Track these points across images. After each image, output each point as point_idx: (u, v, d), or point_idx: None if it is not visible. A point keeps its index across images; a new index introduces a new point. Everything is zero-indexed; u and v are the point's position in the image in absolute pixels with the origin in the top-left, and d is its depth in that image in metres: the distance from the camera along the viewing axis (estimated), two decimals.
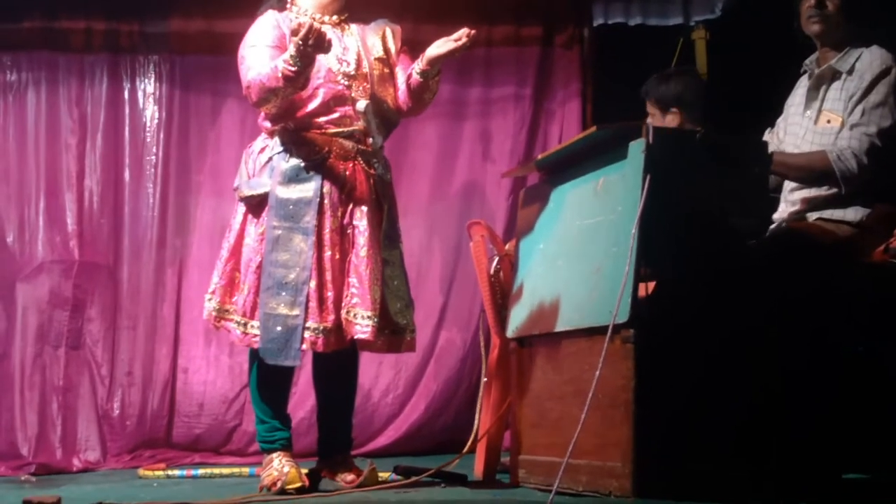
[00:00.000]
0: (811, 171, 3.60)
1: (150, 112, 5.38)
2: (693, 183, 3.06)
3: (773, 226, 3.77)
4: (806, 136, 3.70)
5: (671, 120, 4.27)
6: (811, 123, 3.71)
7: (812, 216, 3.66)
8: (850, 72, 3.63)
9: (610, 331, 2.91)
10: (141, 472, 4.59)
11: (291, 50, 3.51)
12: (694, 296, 3.01)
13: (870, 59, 3.62)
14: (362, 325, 3.59)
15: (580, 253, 3.25)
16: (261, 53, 3.67)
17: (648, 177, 2.94)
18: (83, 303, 5.21)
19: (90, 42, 5.35)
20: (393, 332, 3.74)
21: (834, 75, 3.68)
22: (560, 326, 3.28)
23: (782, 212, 3.80)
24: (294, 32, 3.49)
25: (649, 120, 4.34)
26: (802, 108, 3.78)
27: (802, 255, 3.45)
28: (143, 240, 5.32)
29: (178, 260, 5.35)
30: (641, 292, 3.03)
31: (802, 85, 3.85)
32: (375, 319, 3.61)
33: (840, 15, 3.67)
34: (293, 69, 3.51)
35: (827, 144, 3.60)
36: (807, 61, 3.82)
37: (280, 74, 3.53)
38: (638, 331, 2.91)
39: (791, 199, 3.77)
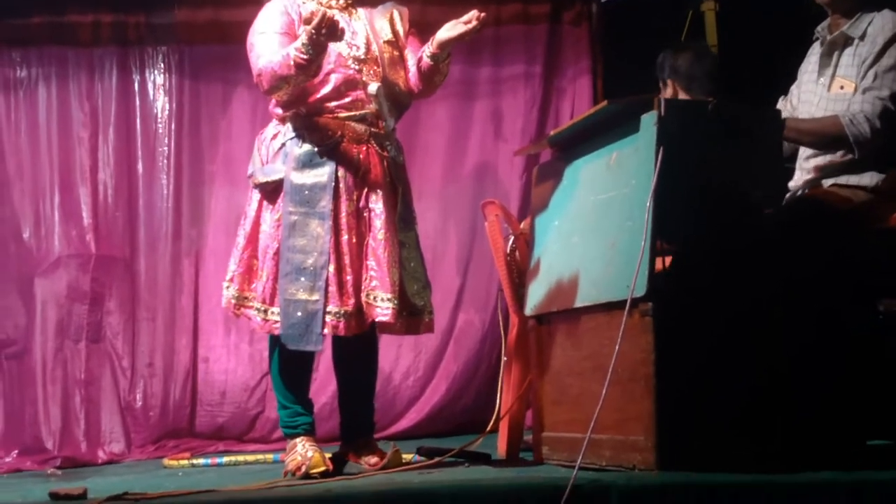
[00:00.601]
0: (824, 135, 3.59)
1: (161, 103, 5.40)
2: (706, 154, 3.05)
3: (788, 194, 3.76)
4: (820, 104, 3.69)
5: (668, 94, 4.25)
6: (824, 90, 3.69)
7: (827, 182, 3.65)
8: (863, 37, 3.61)
9: (628, 305, 2.90)
10: (166, 461, 4.62)
11: (303, 38, 3.51)
12: (711, 267, 3.00)
13: (882, 24, 3.60)
14: (382, 308, 3.60)
15: (595, 228, 3.24)
16: (270, 40, 3.67)
17: (661, 149, 2.93)
18: (101, 296, 5.24)
19: (98, 35, 5.36)
20: (411, 313, 3.75)
21: (846, 41, 3.66)
22: (578, 302, 3.28)
23: (798, 179, 3.79)
24: (307, 21, 3.49)
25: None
26: (816, 75, 3.76)
27: (819, 222, 3.44)
28: (158, 231, 5.34)
29: (194, 250, 5.36)
30: (658, 265, 3.03)
31: (815, 52, 3.83)
32: (395, 302, 3.61)
33: None
34: (305, 57, 3.51)
35: (841, 110, 3.58)
36: (818, 28, 3.80)
37: (292, 62, 3.52)
38: (656, 304, 2.91)
39: (806, 166, 3.75)
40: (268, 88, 3.65)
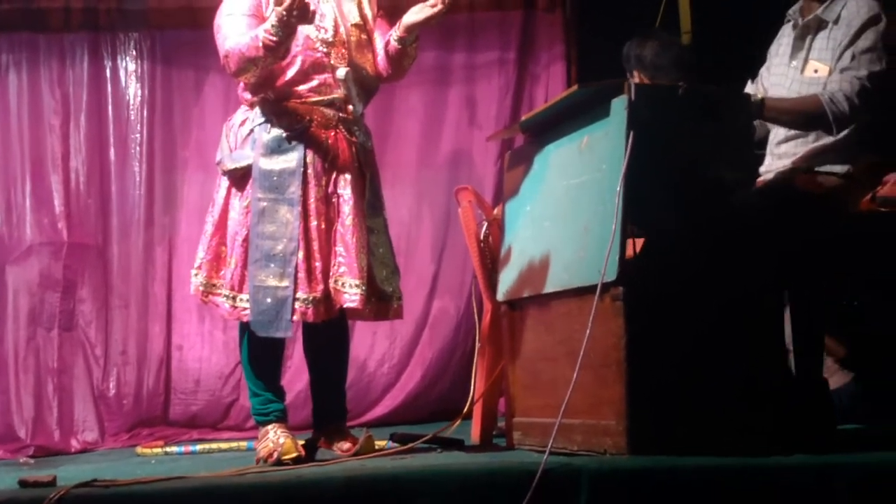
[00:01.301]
0: (803, 114, 3.58)
1: (133, 90, 5.36)
2: (677, 137, 3.05)
3: (759, 179, 3.76)
4: (792, 87, 3.69)
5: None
6: (797, 73, 3.69)
7: (800, 168, 3.65)
8: (837, 21, 3.62)
9: (599, 289, 2.90)
10: (139, 450, 4.60)
11: (273, 19, 3.49)
12: (682, 251, 3.00)
13: (856, 7, 3.60)
14: (350, 294, 3.59)
15: (567, 213, 3.23)
16: (238, 22, 3.64)
17: (632, 133, 2.93)
18: (74, 284, 5.21)
19: (69, 21, 5.31)
20: (380, 299, 3.74)
21: (820, 25, 3.66)
22: (550, 287, 3.27)
23: (769, 165, 3.79)
24: (278, 2, 3.47)
25: None
26: (788, 58, 3.76)
27: (792, 206, 3.44)
28: (131, 218, 5.31)
29: (166, 237, 5.34)
30: (630, 250, 3.03)
31: (786, 34, 3.82)
32: (363, 287, 3.60)
33: None
34: (274, 39, 3.49)
35: (815, 93, 3.58)
36: (790, 11, 3.81)
37: (261, 44, 3.50)
38: (627, 288, 2.91)
39: (777, 151, 3.76)
40: (235, 70, 3.62)
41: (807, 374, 3.29)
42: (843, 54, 3.57)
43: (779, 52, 3.84)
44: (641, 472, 2.74)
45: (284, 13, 3.44)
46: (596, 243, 3.01)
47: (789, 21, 3.82)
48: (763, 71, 3.90)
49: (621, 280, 2.90)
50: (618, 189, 2.91)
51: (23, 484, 2.93)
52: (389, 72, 3.86)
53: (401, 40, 3.75)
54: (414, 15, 3.69)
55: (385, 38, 3.82)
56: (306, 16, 3.47)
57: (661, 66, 4.00)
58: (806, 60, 3.68)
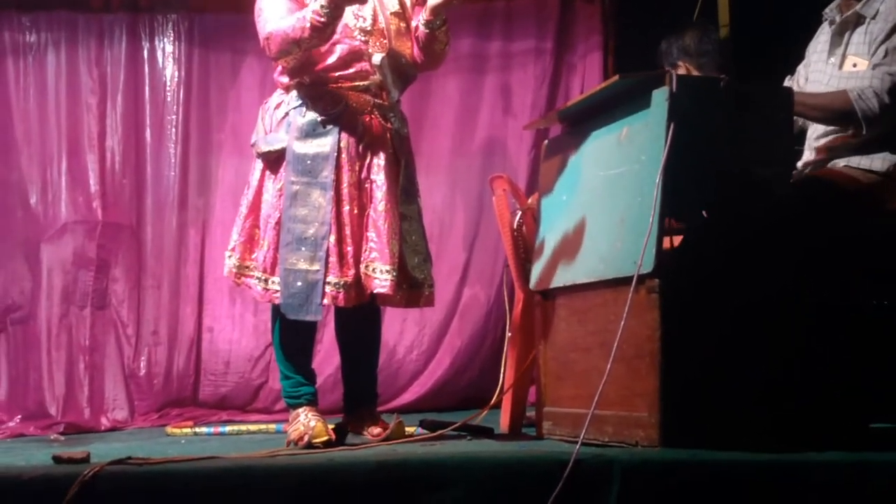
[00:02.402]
0: (831, 110, 3.56)
1: (170, 71, 5.39)
2: (717, 131, 3.03)
3: (796, 173, 3.74)
4: (830, 82, 3.66)
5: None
6: (835, 69, 3.66)
7: (838, 163, 3.62)
8: (875, 16, 3.59)
9: (635, 281, 2.89)
10: (168, 430, 4.63)
11: (322, 0, 3.50)
12: (719, 244, 2.99)
13: (894, 2, 3.57)
14: (381, 280, 3.59)
15: (604, 204, 3.22)
16: (279, 5, 3.65)
17: (672, 125, 2.91)
18: (107, 263, 5.25)
19: (108, 2, 5.35)
20: (411, 286, 3.75)
21: (858, 20, 3.64)
22: (584, 278, 3.26)
23: (807, 159, 3.77)
24: None
25: None
26: (826, 54, 3.73)
27: (828, 203, 3.42)
28: (165, 199, 5.35)
29: (200, 219, 5.37)
30: (666, 243, 3.01)
31: (824, 32, 3.80)
32: (394, 273, 3.60)
33: None
34: (323, 20, 3.50)
35: (851, 87, 3.56)
36: (827, 10, 3.78)
37: (308, 24, 3.51)
38: (663, 281, 2.89)
39: (816, 146, 3.73)
40: (276, 52, 3.62)
41: (840, 370, 3.27)
42: (877, 49, 3.54)
43: (817, 49, 3.82)
44: (673, 464, 2.72)
45: None
46: (632, 235, 3.00)
47: (826, 20, 3.79)
48: (800, 68, 3.88)
49: (657, 272, 2.89)
50: (657, 181, 2.90)
51: (57, 460, 2.94)
52: (423, 58, 3.85)
53: (427, 24, 3.74)
54: None
55: (414, 24, 3.81)
56: None
57: (706, 52, 4.00)
58: (844, 56, 3.65)
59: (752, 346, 2.97)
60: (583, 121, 3.48)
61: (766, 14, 5.17)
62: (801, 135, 3.80)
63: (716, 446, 2.79)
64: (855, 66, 3.60)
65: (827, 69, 3.71)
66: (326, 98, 3.69)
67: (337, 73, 3.70)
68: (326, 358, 5.02)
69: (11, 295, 5.20)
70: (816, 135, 3.71)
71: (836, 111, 3.53)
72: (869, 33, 3.59)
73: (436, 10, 3.71)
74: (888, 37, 3.54)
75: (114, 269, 5.26)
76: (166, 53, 5.39)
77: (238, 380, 5.28)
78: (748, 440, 2.83)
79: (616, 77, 3.19)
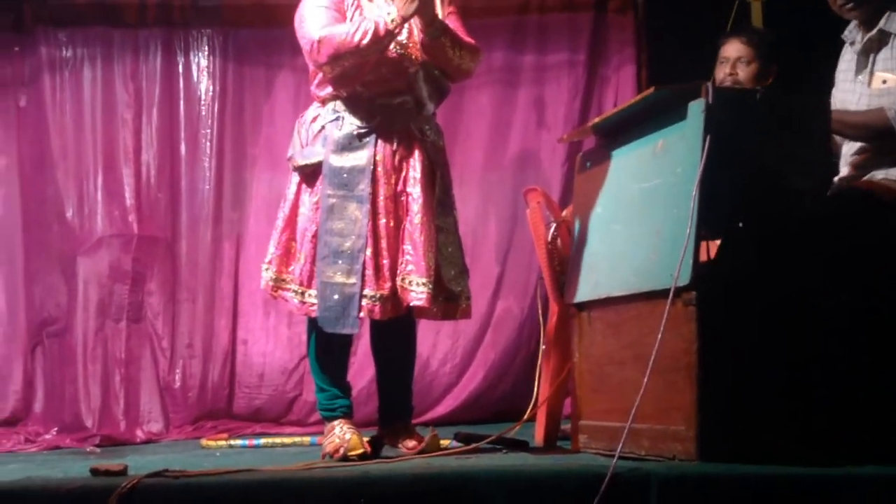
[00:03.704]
0: (869, 128, 3.55)
1: (205, 86, 5.42)
2: (754, 143, 3.02)
3: (833, 187, 3.72)
4: (861, 101, 3.65)
5: (753, 68, 4.26)
6: (864, 87, 3.66)
7: (877, 175, 3.60)
8: None
9: (671, 294, 2.88)
10: (203, 442, 4.65)
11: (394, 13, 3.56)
12: (755, 257, 2.97)
13: None
14: (417, 292, 3.59)
15: (639, 216, 3.21)
16: (324, 14, 3.67)
17: (709, 137, 2.90)
18: (143, 276, 5.28)
19: (144, 16, 5.40)
20: (447, 298, 3.75)
21: (882, 38, 3.63)
22: (620, 291, 3.25)
23: (843, 175, 3.75)
24: None
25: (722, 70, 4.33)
26: (853, 73, 3.72)
27: (864, 213, 3.40)
28: (199, 213, 5.37)
29: (234, 233, 5.39)
30: (703, 255, 3.00)
31: (847, 52, 3.79)
32: (430, 286, 3.60)
33: None
34: (390, 27, 3.56)
35: (886, 104, 3.54)
36: (846, 32, 3.76)
37: (371, 30, 3.54)
38: (700, 293, 2.88)
39: (851, 161, 3.71)
40: (328, 57, 3.62)
41: (880, 381, 3.24)
42: None
43: (842, 67, 3.80)
44: (711, 478, 2.71)
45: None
46: (668, 247, 2.99)
47: (847, 41, 3.78)
48: (834, 91, 3.86)
49: (694, 285, 2.88)
50: (693, 193, 2.88)
51: (94, 472, 2.96)
52: (441, 70, 3.83)
53: (424, 32, 3.72)
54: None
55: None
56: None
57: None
58: (872, 73, 3.64)
59: (790, 358, 2.95)
60: (617, 133, 3.48)
61: (799, 24, 5.15)
62: (837, 150, 3.78)
63: (753, 460, 2.77)
64: (885, 82, 3.58)
65: (856, 88, 3.70)
66: (363, 111, 3.71)
67: (373, 86, 3.71)
68: (360, 370, 5.03)
69: (48, 308, 5.24)
70: (852, 151, 3.69)
71: (875, 129, 3.53)
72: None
73: (423, 20, 3.70)
74: None
75: (149, 282, 5.29)
76: (201, 68, 5.43)
77: (272, 392, 5.30)
78: (786, 453, 2.81)
79: (652, 89, 3.18)
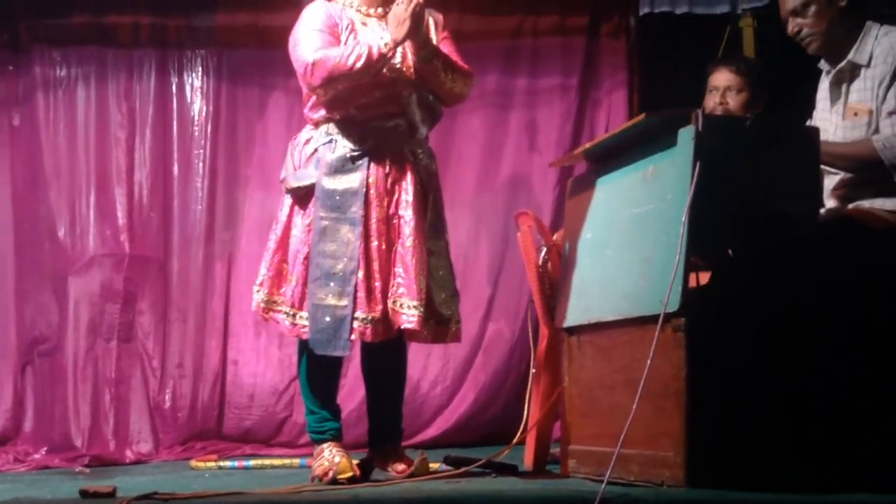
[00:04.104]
0: (858, 159, 3.55)
1: (198, 106, 5.44)
2: (743, 169, 3.03)
3: (823, 213, 3.73)
4: (837, 133, 3.65)
5: (743, 97, 4.29)
6: (839, 119, 3.66)
7: (863, 204, 3.61)
8: (870, 62, 3.58)
9: (661, 319, 2.89)
10: (193, 463, 4.64)
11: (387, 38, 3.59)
12: (745, 283, 2.98)
13: (889, 42, 3.55)
14: (408, 315, 3.60)
15: (630, 242, 3.23)
16: (318, 37, 3.68)
17: (698, 164, 2.92)
18: (134, 296, 5.28)
19: (138, 37, 5.42)
20: (438, 322, 3.75)
21: (853, 70, 3.62)
22: (610, 316, 3.26)
23: (828, 205, 3.75)
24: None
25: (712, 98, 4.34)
26: (828, 103, 3.74)
27: (854, 239, 3.41)
28: (192, 233, 5.37)
29: (226, 253, 5.40)
30: (693, 281, 3.01)
31: (824, 81, 3.80)
32: (421, 309, 3.61)
33: (832, 21, 3.61)
34: (384, 51, 3.58)
35: (859, 136, 3.55)
36: (821, 61, 3.76)
37: (365, 53, 3.56)
38: (689, 319, 2.89)
39: (836, 194, 3.71)
40: (322, 80, 3.63)
41: (871, 409, 3.24)
42: (886, 95, 3.53)
43: (821, 96, 3.81)
44: None
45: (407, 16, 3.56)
46: (658, 273, 3.00)
47: (822, 68, 3.79)
48: (813, 118, 3.87)
49: (683, 311, 2.89)
50: (682, 219, 2.90)
51: (83, 494, 2.96)
52: (435, 93, 3.84)
53: (416, 56, 3.74)
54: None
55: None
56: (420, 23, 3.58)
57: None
58: (845, 105, 3.65)
59: (779, 385, 2.96)
60: (608, 158, 3.49)
61: (790, 49, 5.19)
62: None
63: (743, 487, 2.78)
64: (856, 114, 3.59)
65: (832, 118, 3.70)
66: (356, 134, 3.72)
67: (366, 110, 3.73)
68: (351, 392, 5.03)
69: (39, 327, 5.24)
70: (834, 185, 3.69)
71: (863, 160, 3.53)
72: (870, 78, 3.57)
73: (415, 44, 3.72)
74: (893, 80, 3.52)
75: (140, 301, 5.29)
76: (194, 88, 5.44)
77: (262, 413, 5.29)
78: (777, 481, 2.81)
79: (642, 115, 3.20)
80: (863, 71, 3.59)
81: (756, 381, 2.93)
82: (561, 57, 5.60)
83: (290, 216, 3.77)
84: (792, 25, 3.69)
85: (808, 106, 4.01)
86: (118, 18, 5.40)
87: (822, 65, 3.76)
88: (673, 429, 2.89)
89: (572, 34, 5.62)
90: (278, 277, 3.75)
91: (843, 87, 3.65)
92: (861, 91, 3.60)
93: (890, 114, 3.52)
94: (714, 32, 5.65)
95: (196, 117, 5.43)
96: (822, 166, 3.62)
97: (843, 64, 3.64)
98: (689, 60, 4.74)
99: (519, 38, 5.57)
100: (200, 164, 5.40)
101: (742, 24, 5.67)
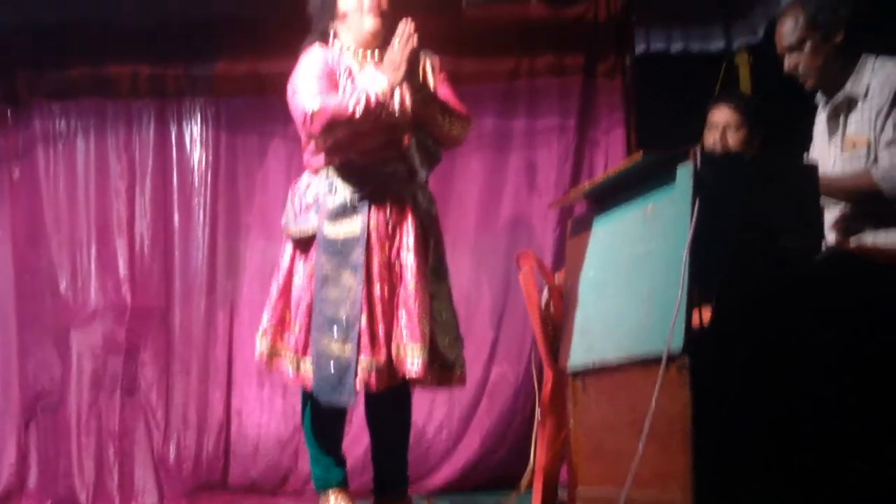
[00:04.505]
0: (858, 192, 3.55)
1: (198, 155, 5.44)
2: (744, 206, 3.02)
3: (825, 248, 3.71)
4: (836, 165, 3.65)
5: (741, 133, 4.28)
6: (838, 151, 3.66)
7: (866, 240, 3.60)
8: (866, 94, 3.58)
9: (664, 359, 2.87)
10: None
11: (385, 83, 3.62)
12: (749, 320, 2.96)
13: (885, 73, 3.56)
14: (412, 362, 3.58)
15: (631, 281, 3.21)
16: (316, 84, 3.69)
17: (698, 201, 2.91)
18: (136, 348, 5.26)
19: (136, 87, 5.43)
20: (442, 366, 3.73)
21: (850, 103, 3.62)
22: (613, 356, 3.24)
23: (830, 239, 3.74)
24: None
25: (711, 135, 4.36)
26: (826, 135, 3.74)
27: (859, 274, 3.39)
28: (193, 283, 5.36)
29: (228, 302, 5.38)
30: (695, 319, 2.99)
31: (821, 113, 3.80)
32: (425, 353, 3.59)
33: (828, 57, 3.62)
34: (381, 98, 3.60)
35: (858, 168, 3.55)
36: (818, 94, 3.76)
37: (363, 100, 3.58)
38: (693, 358, 2.86)
39: (838, 227, 3.70)
40: (322, 128, 3.64)
41: (882, 444, 3.21)
42: (885, 125, 3.53)
43: (819, 129, 3.82)
44: None
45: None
46: (660, 312, 2.98)
47: (819, 102, 3.79)
48: (811, 150, 3.87)
49: (687, 350, 2.86)
50: (683, 257, 2.88)
51: None
52: (433, 137, 3.85)
53: (413, 99, 3.75)
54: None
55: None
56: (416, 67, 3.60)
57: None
58: (843, 138, 3.65)
59: (788, 423, 2.93)
60: (608, 198, 3.48)
61: (787, 82, 5.20)
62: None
63: None
64: (854, 146, 3.59)
65: (830, 151, 3.70)
66: (355, 179, 3.72)
67: (366, 155, 3.73)
68: (356, 439, 4.99)
69: (41, 382, 5.23)
70: (834, 219, 3.68)
71: (862, 192, 3.52)
72: (867, 109, 3.57)
73: (411, 88, 3.73)
74: (891, 110, 3.52)
75: (143, 353, 5.27)
76: (193, 137, 5.45)
77: (268, 463, 5.25)
78: None
79: (640, 154, 3.19)
80: (860, 103, 3.60)
81: (763, 418, 2.90)
82: (558, 97, 5.60)
83: (291, 263, 3.77)
84: (789, 62, 3.69)
85: (805, 141, 4.02)
86: (117, 69, 5.42)
87: (819, 98, 3.77)
88: (679, 469, 2.85)
89: (569, 74, 5.61)
90: (281, 325, 3.74)
91: (841, 119, 3.66)
92: (859, 122, 3.59)
93: (888, 144, 3.52)
94: (710, 70, 5.66)
95: (196, 166, 5.44)
96: (823, 199, 3.62)
97: (839, 96, 3.64)
98: (686, 98, 4.74)
99: (516, 79, 5.58)
100: (201, 213, 5.40)
101: (738, 61, 5.69)
